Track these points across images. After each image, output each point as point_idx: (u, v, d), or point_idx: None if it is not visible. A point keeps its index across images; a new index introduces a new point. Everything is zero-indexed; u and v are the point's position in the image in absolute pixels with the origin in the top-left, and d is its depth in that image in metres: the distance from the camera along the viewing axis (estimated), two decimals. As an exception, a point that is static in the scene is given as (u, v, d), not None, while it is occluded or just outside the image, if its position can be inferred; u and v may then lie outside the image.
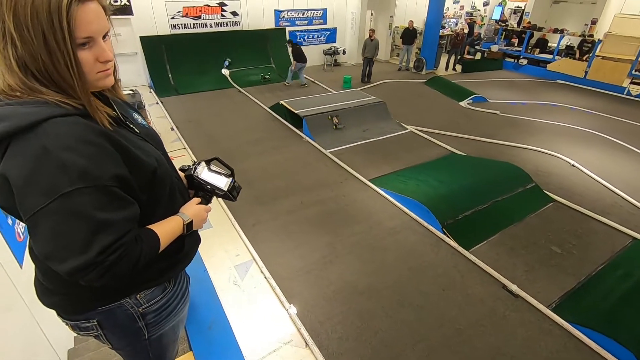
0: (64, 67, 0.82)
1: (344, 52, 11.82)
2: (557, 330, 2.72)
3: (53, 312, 1.16)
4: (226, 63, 9.51)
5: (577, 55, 11.04)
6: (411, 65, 11.36)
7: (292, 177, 4.74)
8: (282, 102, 6.75)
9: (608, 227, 4.00)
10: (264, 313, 2.71)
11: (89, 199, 0.83)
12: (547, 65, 11.42)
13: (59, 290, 1.10)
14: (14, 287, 1.90)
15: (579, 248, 3.67)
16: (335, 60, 11.61)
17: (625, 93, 9.77)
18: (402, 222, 3.90)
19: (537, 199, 4.42)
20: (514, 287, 3.04)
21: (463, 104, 8.27)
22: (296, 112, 6.21)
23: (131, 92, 7.28)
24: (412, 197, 4.08)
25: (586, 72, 10.47)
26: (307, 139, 5.86)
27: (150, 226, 1.04)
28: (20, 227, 2.14)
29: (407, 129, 6.52)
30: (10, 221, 2.04)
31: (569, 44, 11.95)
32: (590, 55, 10.52)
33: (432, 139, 6.09)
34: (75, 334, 1.51)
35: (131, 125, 1.03)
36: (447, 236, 3.63)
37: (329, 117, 6.18)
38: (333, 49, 11.32)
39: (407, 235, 3.71)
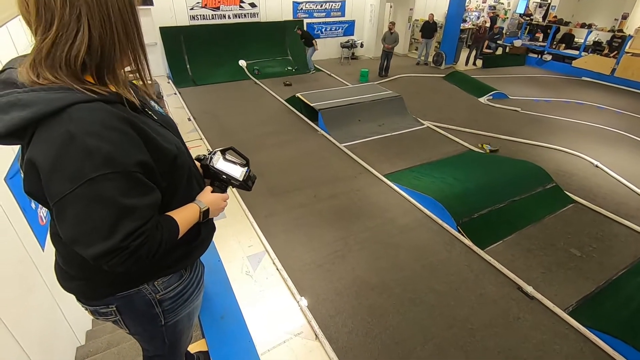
0: (132, 53, 0.93)
1: (361, 45, 11.68)
2: (572, 334, 2.65)
3: (72, 296, 1.19)
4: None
5: (607, 51, 10.60)
6: (430, 59, 11.14)
7: (306, 170, 4.74)
8: (298, 94, 6.74)
9: (631, 231, 3.86)
10: (275, 304, 2.74)
11: (114, 184, 0.85)
12: (573, 61, 11.01)
13: (79, 276, 1.12)
14: (36, 269, 1.97)
15: (600, 251, 3.55)
16: (353, 54, 11.49)
17: (655, 92, 9.34)
18: (416, 219, 3.85)
19: (557, 200, 4.30)
20: (529, 289, 2.97)
21: (482, 100, 8.08)
22: (312, 105, 6.19)
23: (151, 82, 7.39)
24: (427, 193, 4.02)
25: (614, 69, 10.06)
26: (322, 132, 5.84)
27: (169, 213, 1.05)
28: (43, 211, 2.21)
29: (423, 124, 6.42)
30: (33, 205, 2.10)
31: (596, 39, 11.48)
32: (619, 51, 10.09)
33: (450, 136, 5.97)
34: (94, 319, 1.56)
35: (150, 112, 1.04)
36: (462, 234, 3.58)
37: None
38: (351, 41, 11.19)
39: (420, 232, 3.66)
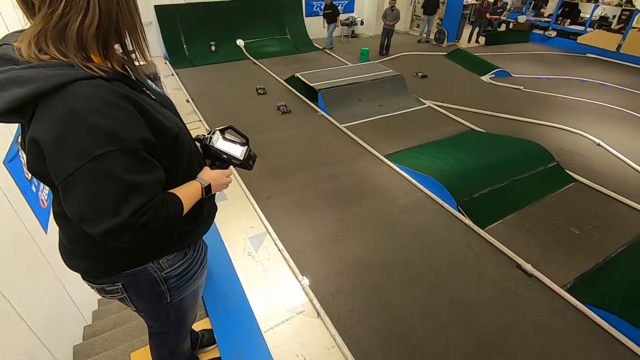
0: (135, 31, 0.94)
1: (361, 23, 11.40)
2: (570, 311, 2.70)
3: (77, 276, 1.20)
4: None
5: (615, 25, 10.32)
6: (432, 37, 10.89)
7: (306, 152, 4.72)
8: (297, 74, 6.63)
9: (631, 209, 3.87)
10: (277, 284, 2.78)
11: (120, 161, 0.85)
12: (578, 37, 10.76)
13: (85, 255, 1.13)
14: (40, 251, 1.99)
15: (599, 230, 3.57)
16: (353, 32, 11.23)
17: (661, 68, 9.17)
18: (417, 199, 3.86)
19: (558, 179, 4.29)
20: (528, 267, 3.01)
21: (485, 78, 7.94)
22: (311, 85, 6.10)
23: (148, 62, 7.27)
24: (427, 173, 4.01)
25: (620, 45, 9.84)
26: (322, 113, 5.78)
27: (172, 190, 1.06)
28: (44, 193, 2.21)
29: (425, 104, 6.34)
30: (34, 188, 2.10)
31: (603, 14, 11.17)
32: (626, 27, 9.84)
33: (451, 115, 5.91)
34: (100, 297, 1.59)
35: (148, 91, 1.03)
36: (462, 214, 3.59)
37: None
38: (350, 19, 10.92)
39: (421, 212, 3.68)
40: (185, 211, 1.07)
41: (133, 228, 0.88)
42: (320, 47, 9.81)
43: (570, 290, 2.86)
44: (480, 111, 6.11)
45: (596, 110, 6.44)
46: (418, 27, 11.53)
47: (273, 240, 3.19)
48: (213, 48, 8.86)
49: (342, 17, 10.99)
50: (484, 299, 2.77)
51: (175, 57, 8.45)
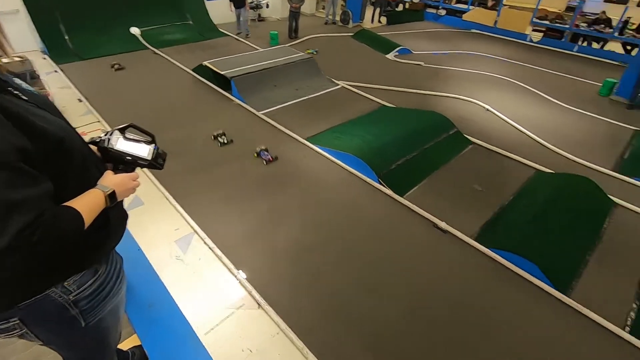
0: None
1: (267, 6, 11.13)
2: (479, 256, 3.11)
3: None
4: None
5: (489, 3, 11.73)
6: (338, 18, 11.14)
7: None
8: (205, 63, 6.25)
9: (518, 163, 4.55)
10: (212, 283, 2.67)
11: None
12: (463, 15, 12.00)
13: None
14: None
15: (495, 183, 4.14)
16: (259, 15, 10.93)
17: (527, 40, 10.75)
18: (341, 177, 4.01)
19: (459, 143, 4.83)
20: (442, 224, 3.36)
21: (390, 56, 8.44)
22: (222, 73, 5.82)
23: (19, 59, 6.14)
24: (348, 151, 4.17)
25: (496, 21, 11.24)
26: (238, 101, 5.58)
27: (67, 203, 0.93)
28: None
29: (338, 84, 6.52)
30: None
31: (480, -8, 12.60)
32: (498, 4, 11.25)
33: (363, 93, 6.19)
34: (-6, 340, 1.35)
35: (15, 92, 0.87)
36: (383, 185, 3.84)
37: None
38: (256, 2, 10.59)
39: (346, 189, 3.83)
40: (87, 224, 0.95)
41: (22, 250, 0.76)
42: (228, 33, 9.36)
43: (477, 238, 3.28)
44: (389, 88, 6.50)
45: (484, 80, 7.33)
46: (324, 8, 11.68)
47: (202, 239, 3.04)
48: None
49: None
50: (409, 257, 3.03)
51: (56, 51, 7.28)
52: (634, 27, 9.77)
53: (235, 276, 2.72)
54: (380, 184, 3.86)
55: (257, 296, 2.57)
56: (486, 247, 3.14)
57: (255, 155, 4.20)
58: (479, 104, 6.09)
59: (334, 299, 2.65)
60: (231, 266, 2.79)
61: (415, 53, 8.84)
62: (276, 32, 8.95)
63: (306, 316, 2.51)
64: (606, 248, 3.32)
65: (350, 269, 2.91)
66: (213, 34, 9.20)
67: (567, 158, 4.74)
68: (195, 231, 3.11)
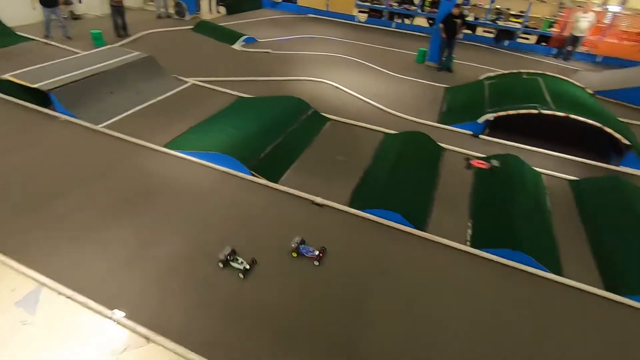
0: None
1: (80, 1, 9.45)
2: (354, 219, 3.44)
3: None
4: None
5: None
6: (172, 11, 10.28)
7: (61, 170, 3.75)
8: (6, 76, 4.97)
9: (369, 130, 5.13)
10: (80, 337, 2.25)
11: None
12: (298, 0, 12.60)
13: None
14: None
15: (355, 152, 4.59)
16: (72, 13, 9.20)
17: (356, 21, 12.04)
18: (213, 179, 3.82)
19: (317, 122, 5.15)
20: (319, 199, 3.58)
21: (236, 47, 8.29)
22: (34, 86, 4.73)
23: None
24: (214, 150, 3.99)
25: (327, 5, 12.18)
26: (66, 117, 4.66)
27: None
28: None
29: (187, 82, 6.09)
30: None
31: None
32: (327, -11, 12.19)
33: (217, 88, 5.95)
34: None
35: None
36: (257, 177, 3.83)
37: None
38: (62, -4, 8.83)
39: (220, 189, 3.68)
40: None
41: None
42: (32, 37, 7.60)
43: (350, 204, 3.62)
44: (243, 79, 6.41)
45: (328, 60, 7.92)
46: (153, 1, 10.58)
47: (54, 290, 2.50)
48: None
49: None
50: (284, 238, 3.08)
51: None
52: (429, 2, 11.94)
53: (110, 318, 2.35)
54: (253, 175, 3.84)
55: (144, 330, 2.28)
56: (358, 210, 3.50)
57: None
58: (328, 83, 6.58)
59: (232, 305, 2.56)
60: (102, 309, 2.39)
61: (261, 41, 8.91)
62: (99, 31, 7.70)
63: (205, 331, 2.36)
64: (442, 184, 4.10)
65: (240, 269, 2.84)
66: (10, 39, 7.34)
67: (404, 118, 5.60)
68: (43, 283, 2.53)
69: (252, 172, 3.85)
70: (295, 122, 4.84)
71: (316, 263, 2.90)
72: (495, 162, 4.29)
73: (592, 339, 2.57)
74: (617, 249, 3.31)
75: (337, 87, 6.44)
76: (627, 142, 4.64)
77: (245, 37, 8.69)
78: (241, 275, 2.71)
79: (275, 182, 3.82)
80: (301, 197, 3.65)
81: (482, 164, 4.35)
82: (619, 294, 2.88)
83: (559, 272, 3.06)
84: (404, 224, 3.37)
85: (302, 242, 3.00)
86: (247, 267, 2.74)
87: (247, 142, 4.23)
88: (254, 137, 4.32)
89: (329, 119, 5.29)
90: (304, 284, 2.76)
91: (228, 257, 2.76)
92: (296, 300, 2.63)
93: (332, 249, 3.07)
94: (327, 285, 2.77)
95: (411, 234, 3.32)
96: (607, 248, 3.34)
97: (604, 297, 2.88)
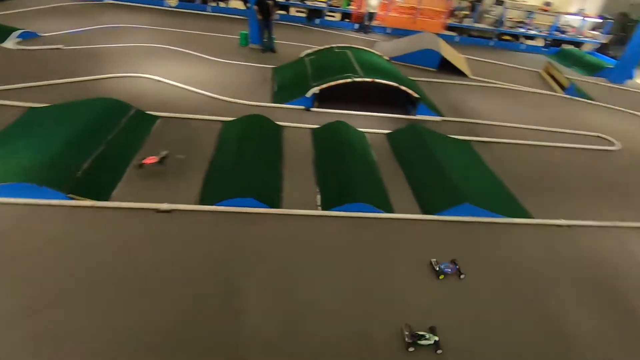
0: None
1: None
2: (208, 216, 3.29)
3: None
4: None
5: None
6: None
7: None
8: None
9: (205, 121, 4.88)
10: None
11: None
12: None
13: None
14: None
15: (194, 146, 4.32)
16: None
17: (166, 6, 11.01)
18: (14, 216, 2.98)
19: (144, 122, 4.59)
20: (164, 206, 3.26)
21: (9, 45, 6.48)
22: None
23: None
24: (3, 182, 3.09)
25: (126, -11, 10.67)
26: None
27: None
28: None
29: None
30: None
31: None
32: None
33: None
34: None
35: None
36: (77, 199, 3.18)
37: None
38: None
39: (29, 227, 2.92)
40: None
41: None
42: None
43: (201, 201, 3.43)
44: (27, 85, 5.08)
45: (141, 52, 7.04)
46: None
47: None
48: None
49: None
50: (147, 255, 2.80)
51: None
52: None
53: None
54: (73, 199, 3.17)
55: None
56: (210, 205, 3.35)
57: None
58: (147, 77, 5.89)
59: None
60: None
61: (46, 35, 7.20)
62: None
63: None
64: (288, 160, 4.31)
65: (152, 307, 2.38)
66: None
67: (239, 103, 5.55)
68: None
69: (70, 195, 3.17)
70: (115, 127, 4.18)
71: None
72: (163, 152, 3.80)
73: (423, 254, 3.24)
74: (423, 179, 4.21)
75: (159, 81, 5.83)
76: (416, 95, 5.82)
77: (20, 31, 6.84)
78: None
79: (106, 199, 3.27)
80: (142, 208, 3.24)
81: (152, 159, 3.73)
82: (431, 214, 3.70)
83: (391, 211, 3.70)
84: (260, 207, 3.42)
85: None
86: None
87: (52, 162, 3.42)
88: (60, 155, 3.52)
89: (157, 117, 4.78)
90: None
91: None
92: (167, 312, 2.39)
93: (191, 253, 2.88)
94: (201, 287, 2.60)
95: (268, 214, 3.41)
96: (418, 181, 4.20)
97: (423, 220, 3.65)
